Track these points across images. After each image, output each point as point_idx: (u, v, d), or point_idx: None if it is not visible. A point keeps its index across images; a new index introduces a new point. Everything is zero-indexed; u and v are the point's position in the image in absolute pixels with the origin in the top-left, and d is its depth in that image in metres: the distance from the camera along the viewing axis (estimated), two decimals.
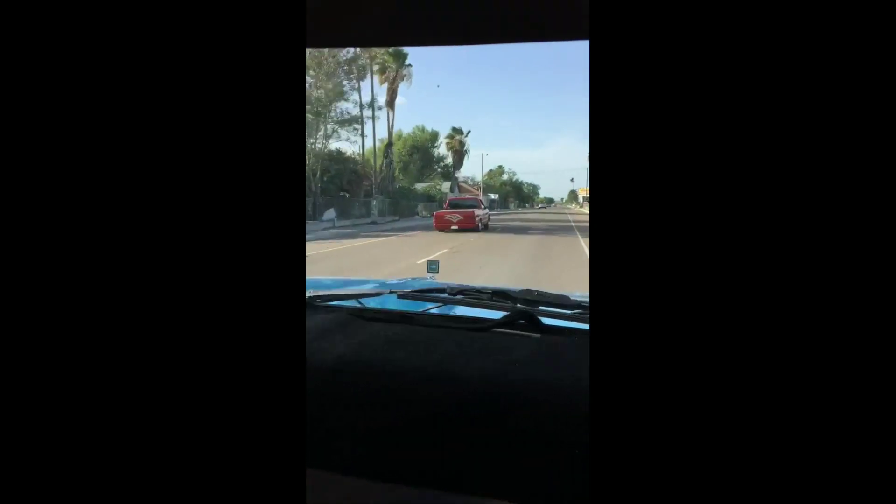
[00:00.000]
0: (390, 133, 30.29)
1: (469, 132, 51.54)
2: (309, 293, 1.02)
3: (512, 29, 0.65)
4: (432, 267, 1.51)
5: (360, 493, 0.61)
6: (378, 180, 29.60)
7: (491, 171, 72.78)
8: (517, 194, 78.76)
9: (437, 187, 40.88)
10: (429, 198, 38.33)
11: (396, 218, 28.28)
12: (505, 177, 74.26)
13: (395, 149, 47.06)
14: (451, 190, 44.49)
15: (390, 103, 30.35)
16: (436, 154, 49.31)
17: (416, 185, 40.96)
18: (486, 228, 16.71)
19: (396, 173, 41.86)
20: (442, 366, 0.66)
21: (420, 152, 47.15)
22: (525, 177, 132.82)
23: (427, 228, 16.55)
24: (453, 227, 15.36)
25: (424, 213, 35.18)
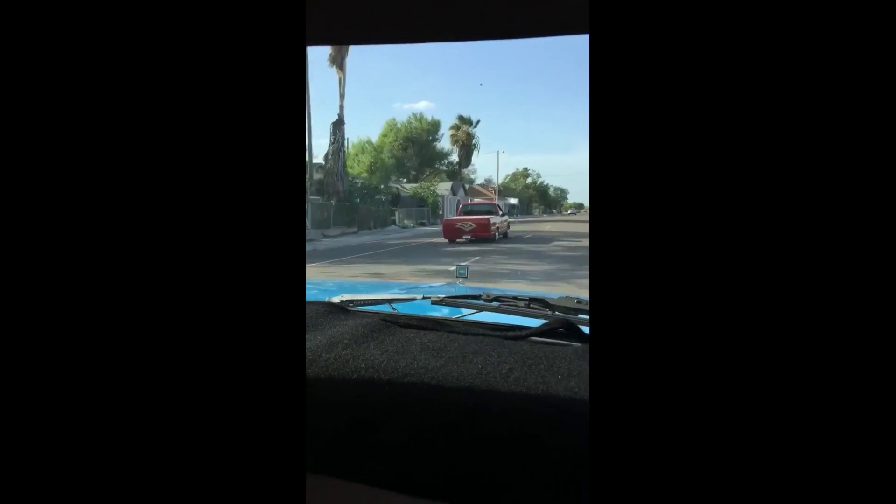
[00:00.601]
0: (341, 108, 21.40)
1: (479, 122, 42.51)
2: (341, 297, 1.04)
3: (512, 24, 0.65)
4: (461, 272, 1.46)
5: (363, 499, 0.61)
6: (324, 174, 21.03)
7: (515, 173, 64.18)
8: (542, 198, 69.64)
9: (431, 188, 31.46)
10: (420, 202, 29.24)
11: (354, 230, 19.57)
12: (529, 180, 65.34)
13: (386, 141, 39.31)
14: (454, 192, 35.15)
15: (337, 61, 21.60)
16: (438, 148, 41.06)
17: (402, 184, 32.03)
18: (505, 237, 15.13)
19: (385, 168, 33.76)
20: (480, 376, 0.64)
21: (417, 146, 38.64)
22: (554, 180, 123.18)
23: (382, 251, 12.41)
24: (465, 236, 13.77)
25: (407, 221, 25.79)
